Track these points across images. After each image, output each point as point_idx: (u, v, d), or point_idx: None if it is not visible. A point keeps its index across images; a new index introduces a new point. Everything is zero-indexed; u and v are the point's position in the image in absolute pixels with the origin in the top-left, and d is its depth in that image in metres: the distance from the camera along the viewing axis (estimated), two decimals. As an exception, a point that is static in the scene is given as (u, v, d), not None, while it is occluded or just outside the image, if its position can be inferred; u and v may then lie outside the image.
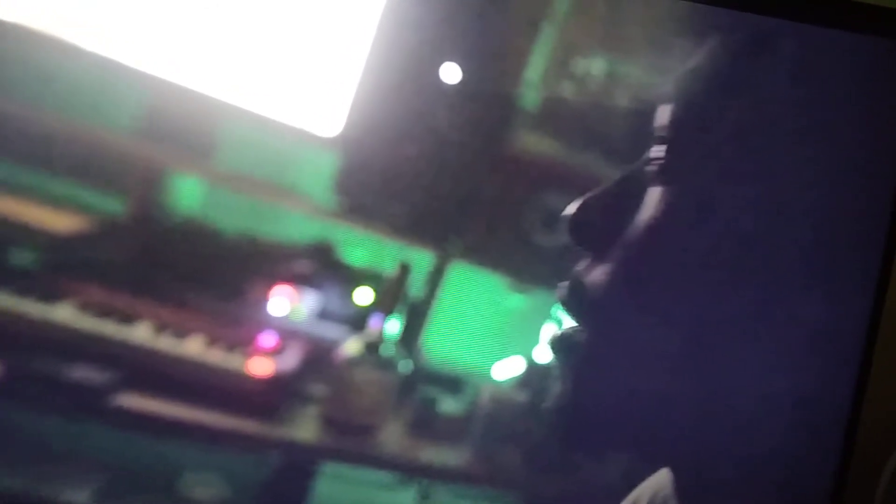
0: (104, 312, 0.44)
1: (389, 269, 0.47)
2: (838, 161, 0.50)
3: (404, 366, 0.49)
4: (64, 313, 0.43)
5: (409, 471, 0.50)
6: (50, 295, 0.43)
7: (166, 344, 0.45)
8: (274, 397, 0.46)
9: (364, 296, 0.47)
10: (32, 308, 0.42)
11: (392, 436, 0.48)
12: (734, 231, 0.48)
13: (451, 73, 0.44)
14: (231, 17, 0.41)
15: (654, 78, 0.47)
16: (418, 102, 0.44)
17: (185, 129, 0.42)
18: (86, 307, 0.43)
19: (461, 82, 0.44)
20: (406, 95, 0.43)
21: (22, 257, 0.42)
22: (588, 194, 0.46)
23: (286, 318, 0.46)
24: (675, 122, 0.45)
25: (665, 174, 0.45)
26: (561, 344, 0.48)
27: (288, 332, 0.46)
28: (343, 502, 0.49)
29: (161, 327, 0.45)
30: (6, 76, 0.39)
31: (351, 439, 0.47)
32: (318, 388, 0.47)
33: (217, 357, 0.45)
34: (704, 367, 0.50)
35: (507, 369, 0.50)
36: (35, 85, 0.40)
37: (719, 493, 0.53)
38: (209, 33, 0.41)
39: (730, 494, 0.53)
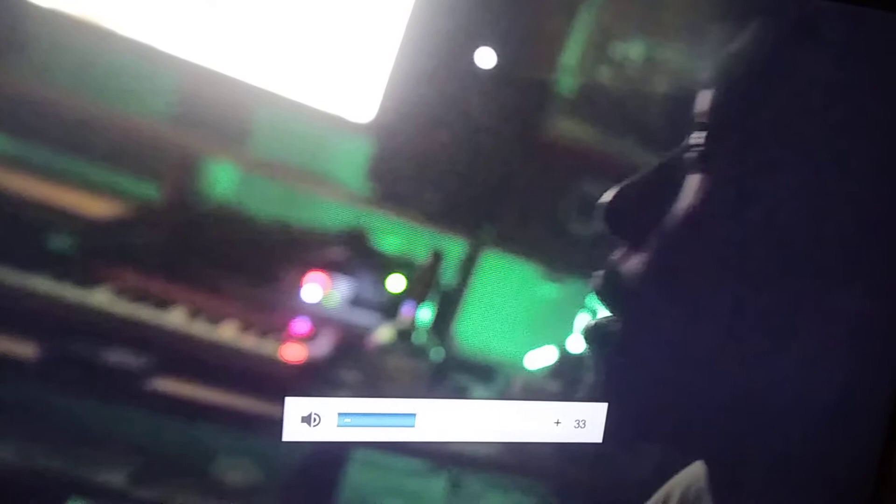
0: (139, 297, 0.44)
1: (422, 256, 0.47)
2: (883, 150, 0.48)
3: (436, 354, 0.48)
4: (100, 298, 0.43)
5: (441, 458, 0.50)
6: (86, 279, 0.43)
7: (200, 329, 0.45)
8: (306, 383, 0.46)
9: (396, 283, 0.47)
10: (69, 292, 0.43)
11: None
12: (774, 221, 0.46)
13: (485, 57, 0.43)
14: (265, 2, 0.41)
15: (694, 62, 0.46)
16: (452, 88, 0.43)
17: (219, 115, 0.42)
18: (121, 292, 0.44)
19: (496, 67, 0.44)
20: (440, 81, 0.43)
21: (59, 242, 0.42)
22: (625, 182, 0.45)
23: (319, 304, 0.46)
24: (716, 108, 0.44)
25: (704, 161, 0.44)
26: (595, 334, 0.47)
27: (321, 319, 0.46)
28: (374, 489, 0.49)
29: (195, 312, 0.45)
30: (42, 61, 0.39)
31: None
32: (349, 375, 0.47)
33: (250, 342, 0.45)
34: (741, 359, 0.49)
35: (540, 359, 0.49)
36: (71, 70, 0.40)
37: (754, 486, 0.52)
38: (243, 18, 0.41)
39: (765, 489, 0.52)
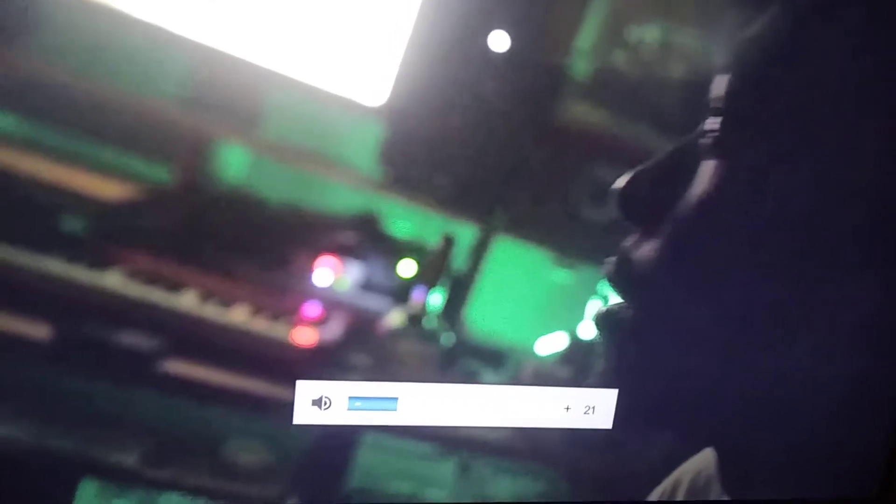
0: (152, 280, 0.44)
1: (433, 241, 0.47)
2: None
3: (447, 339, 0.48)
4: (112, 280, 0.43)
5: (450, 443, 0.50)
6: (99, 262, 0.43)
7: (212, 312, 0.45)
8: (317, 366, 0.46)
9: (408, 268, 0.47)
10: (82, 274, 0.43)
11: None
12: (788, 208, 0.46)
13: (499, 41, 0.43)
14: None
15: (709, 47, 0.45)
16: (465, 71, 0.43)
17: (231, 98, 0.42)
18: (133, 274, 0.44)
19: (509, 50, 0.43)
20: (453, 64, 0.43)
21: (72, 224, 0.42)
22: (639, 167, 0.45)
23: (330, 288, 0.46)
24: (731, 93, 0.44)
25: (719, 147, 0.44)
26: (606, 320, 0.47)
27: (332, 303, 0.46)
28: (383, 472, 0.49)
29: (207, 295, 0.45)
30: (55, 44, 0.39)
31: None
32: (360, 359, 0.47)
33: (262, 326, 0.46)
34: (752, 347, 0.49)
35: (551, 345, 0.49)
36: (83, 53, 0.40)
37: (763, 474, 0.52)
38: (256, 0, 0.41)
39: (774, 476, 0.52)
